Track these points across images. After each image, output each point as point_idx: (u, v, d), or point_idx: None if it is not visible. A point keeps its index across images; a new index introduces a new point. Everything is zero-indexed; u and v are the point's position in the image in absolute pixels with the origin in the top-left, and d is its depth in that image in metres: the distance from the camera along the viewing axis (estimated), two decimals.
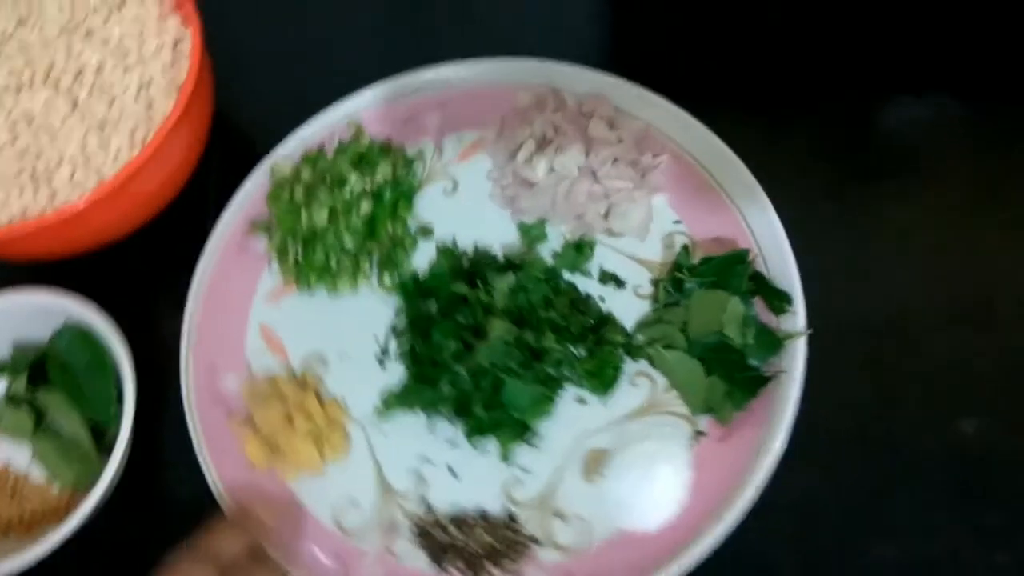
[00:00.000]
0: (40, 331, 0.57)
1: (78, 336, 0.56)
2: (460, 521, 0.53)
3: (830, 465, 0.53)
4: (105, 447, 0.55)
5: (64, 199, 0.54)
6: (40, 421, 0.56)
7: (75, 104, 0.56)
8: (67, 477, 0.55)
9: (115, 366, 0.55)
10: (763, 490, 0.50)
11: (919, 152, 0.63)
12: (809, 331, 0.53)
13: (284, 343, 0.59)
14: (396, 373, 0.58)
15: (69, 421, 0.55)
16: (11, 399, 0.56)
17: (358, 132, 0.63)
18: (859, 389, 0.55)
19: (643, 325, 0.57)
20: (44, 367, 0.56)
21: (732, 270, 0.56)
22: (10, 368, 0.57)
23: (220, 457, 0.55)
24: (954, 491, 0.52)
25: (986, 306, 0.57)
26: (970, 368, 0.55)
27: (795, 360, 0.53)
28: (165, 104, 0.56)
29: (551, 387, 0.55)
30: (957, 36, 0.67)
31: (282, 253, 0.60)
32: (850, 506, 0.52)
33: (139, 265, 0.63)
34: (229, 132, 0.66)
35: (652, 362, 0.56)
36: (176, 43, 0.59)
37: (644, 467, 0.52)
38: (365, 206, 0.60)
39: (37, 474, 0.57)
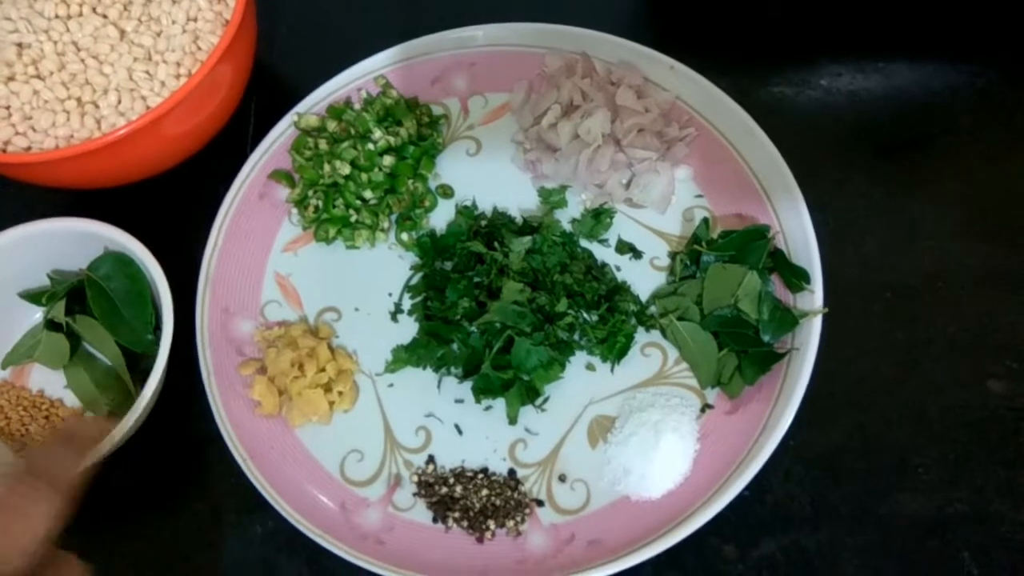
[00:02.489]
0: (79, 259, 0.58)
1: (117, 264, 0.56)
2: (463, 478, 0.53)
3: (857, 421, 0.54)
4: (139, 375, 0.56)
5: (110, 125, 0.55)
6: (76, 348, 0.57)
7: (123, 34, 0.57)
8: (101, 404, 0.56)
9: (152, 295, 0.56)
10: (789, 442, 0.51)
11: (951, 121, 0.63)
12: (825, 310, 0.53)
13: (299, 293, 0.60)
14: (409, 329, 0.58)
15: (105, 348, 0.56)
16: (49, 325, 0.57)
17: (386, 87, 0.63)
18: (889, 348, 0.56)
19: (658, 296, 0.57)
20: (82, 294, 0.56)
21: (751, 245, 0.55)
22: (49, 294, 0.57)
23: (229, 398, 0.55)
24: (982, 449, 0.53)
25: (1017, 269, 0.58)
26: (1000, 329, 0.56)
27: (809, 339, 0.52)
28: (211, 38, 0.57)
29: (562, 352, 0.55)
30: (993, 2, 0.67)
31: (302, 203, 0.61)
32: (876, 461, 0.53)
33: (175, 201, 0.64)
34: (267, 79, 0.67)
35: (664, 333, 0.56)
36: None
37: (649, 436, 0.52)
38: (388, 161, 0.60)
39: (71, 400, 0.58)
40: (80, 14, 0.57)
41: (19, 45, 0.56)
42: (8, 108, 0.55)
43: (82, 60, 0.56)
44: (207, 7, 0.57)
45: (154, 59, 0.56)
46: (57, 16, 0.56)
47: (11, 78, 0.55)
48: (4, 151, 0.55)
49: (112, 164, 0.56)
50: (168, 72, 0.56)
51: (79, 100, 0.55)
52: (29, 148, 0.55)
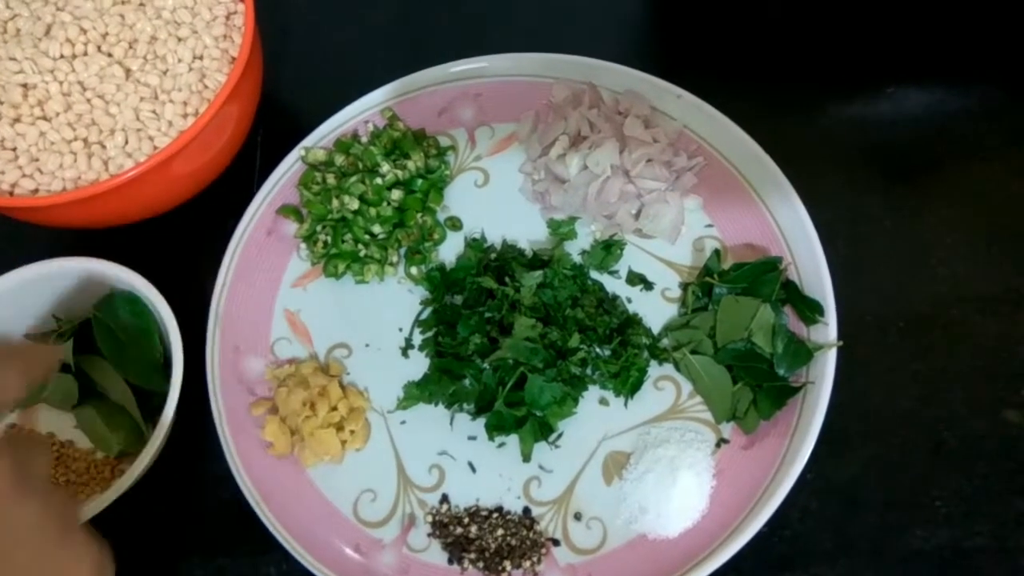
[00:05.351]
0: (85, 299, 0.57)
1: (124, 303, 0.56)
2: (478, 517, 0.53)
3: (874, 454, 0.54)
4: (148, 413, 0.55)
5: (117, 167, 0.54)
6: (85, 388, 0.56)
7: (129, 73, 0.56)
8: (112, 444, 0.56)
9: (160, 333, 0.55)
10: (807, 475, 0.51)
11: (960, 145, 0.63)
12: (839, 343, 0.53)
13: (309, 329, 0.59)
14: (420, 365, 0.57)
15: (115, 387, 0.55)
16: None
17: (392, 120, 0.63)
18: (906, 378, 0.56)
19: (670, 329, 0.57)
20: (89, 334, 0.56)
21: (763, 277, 0.55)
22: (56, 335, 0.57)
23: (241, 438, 0.55)
24: (999, 480, 0.53)
25: None
26: (1015, 356, 0.56)
27: (824, 372, 0.52)
28: (218, 76, 0.57)
29: (575, 387, 0.54)
30: (1002, 24, 0.67)
31: (311, 239, 0.60)
32: (894, 494, 0.53)
33: (182, 239, 0.63)
34: (273, 114, 0.66)
35: (678, 367, 0.56)
36: (229, 16, 0.59)
37: (665, 473, 0.52)
38: (396, 195, 0.60)
39: (82, 440, 0.57)
40: (85, 53, 0.56)
41: (24, 86, 0.55)
42: (15, 150, 0.55)
43: (88, 100, 0.55)
44: (213, 45, 0.57)
45: (160, 98, 0.56)
46: (62, 56, 0.56)
47: (17, 120, 0.55)
48: (11, 194, 0.54)
49: (119, 205, 0.55)
50: (175, 111, 0.55)
51: (86, 141, 0.55)
52: (36, 190, 0.54)
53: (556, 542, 0.52)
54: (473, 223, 0.62)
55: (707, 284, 0.56)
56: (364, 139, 0.63)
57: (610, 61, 0.62)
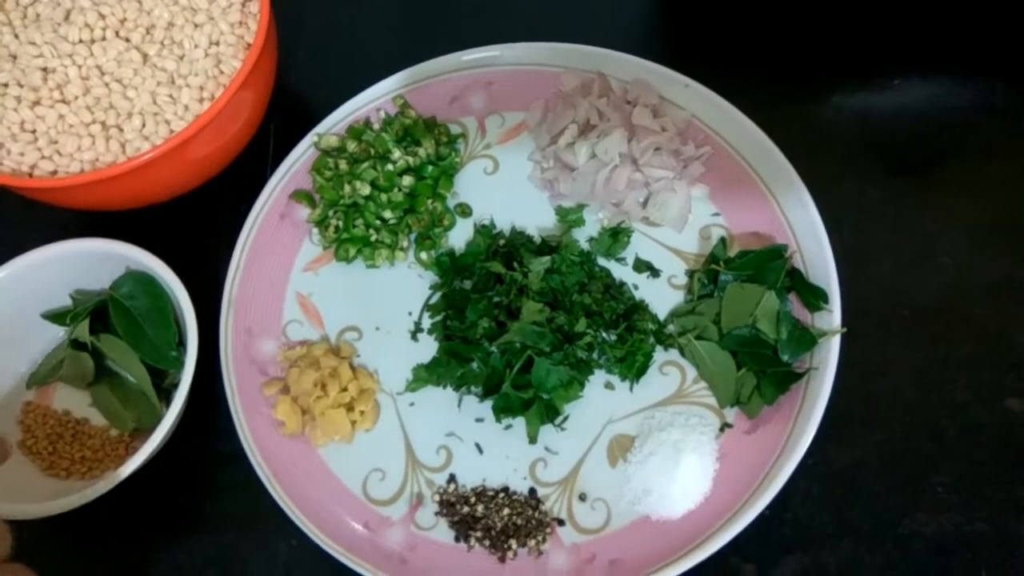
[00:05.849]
0: (101, 279, 0.59)
1: (139, 282, 0.57)
2: (484, 497, 0.54)
3: (876, 440, 0.54)
4: (162, 392, 0.57)
5: (135, 150, 0.55)
6: (100, 367, 0.58)
7: (146, 58, 0.57)
8: (126, 421, 0.57)
9: (175, 313, 0.56)
10: (808, 460, 0.51)
11: (965, 137, 0.63)
12: (843, 330, 0.53)
13: (320, 312, 0.60)
14: (429, 348, 0.58)
15: (130, 366, 0.56)
16: (73, 344, 0.58)
17: (404, 107, 0.64)
18: (907, 366, 0.56)
19: (676, 315, 0.58)
20: (105, 313, 0.57)
21: (769, 265, 0.56)
22: (72, 314, 0.58)
23: (253, 417, 0.56)
24: (1000, 468, 0.53)
25: None
26: (1017, 346, 0.56)
27: (828, 358, 0.53)
28: (233, 62, 0.58)
29: (581, 371, 0.55)
30: (1007, 17, 0.67)
31: (323, 223, 0.61)
32: (895, 480, 0.53)
33: (196, 222, 0.64)
34: (287, 100, 0.67)
35: (683, 352, 0.56)
36: (244, 3, 0.60)
37: (669, 456, 0.52)
38: (407, 181, 0.61)
39: (97, 418, 0.59)
40: (104, 38, 0.57)
41: (44, 70, 0.56)
42: (34, 132, 0.56)
43: (106, 84, 0.57)
44: (229, 31, 0.58)
45: (177, 83, 0.57)
46: (81, 40, 0.57)
47: (37, 103, 0.56)
48: (31, 175, 0.55)
49: (136, 187, 0.56)
50: (191, 96, 0.56)
51: (104, 124, 0.56)
52: (55, 172, 0.55)
53: (561, 522, 0.53)
54: (482, 210, 0.63)
55: (713, 271, 0.57)
56: (376, 126, 0.64)
57: (619, 50, 0.63)
